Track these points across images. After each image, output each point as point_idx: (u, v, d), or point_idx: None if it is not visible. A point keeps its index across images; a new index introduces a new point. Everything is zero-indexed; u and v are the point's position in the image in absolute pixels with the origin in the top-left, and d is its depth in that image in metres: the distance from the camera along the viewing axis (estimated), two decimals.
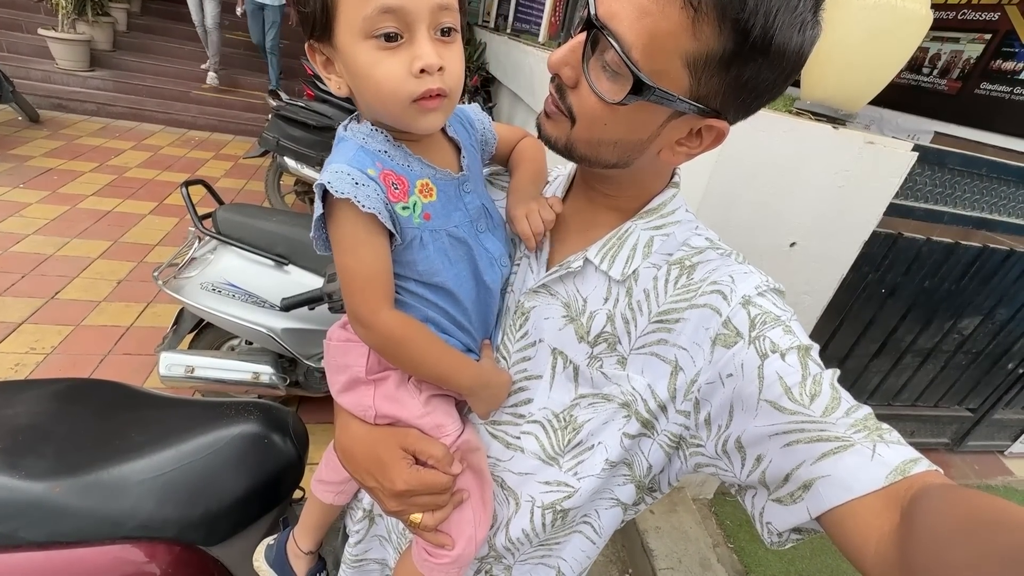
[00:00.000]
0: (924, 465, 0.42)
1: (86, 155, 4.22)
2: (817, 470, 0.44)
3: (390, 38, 0.48)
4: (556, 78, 0.53)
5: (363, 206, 0.49)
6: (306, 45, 0.53)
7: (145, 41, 6.06)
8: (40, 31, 5.14)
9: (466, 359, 0.60)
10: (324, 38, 0.50)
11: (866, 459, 0.42)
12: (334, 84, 0.54)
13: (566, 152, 0.56)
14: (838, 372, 0.49)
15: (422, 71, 0.49)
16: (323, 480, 0.79)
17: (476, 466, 0.63)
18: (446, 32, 0.50)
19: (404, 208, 0.53)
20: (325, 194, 0.51)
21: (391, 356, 0.58)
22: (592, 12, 0.47)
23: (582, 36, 0.48)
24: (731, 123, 0.50)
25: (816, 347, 0.51)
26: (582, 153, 0.54)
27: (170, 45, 6.16)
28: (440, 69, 0.49)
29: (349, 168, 0.50)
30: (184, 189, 1.74)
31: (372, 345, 0.58)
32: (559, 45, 0.52)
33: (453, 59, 0.51)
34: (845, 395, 0.47)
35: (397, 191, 0.53)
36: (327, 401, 2.07)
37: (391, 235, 0.53)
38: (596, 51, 0.48)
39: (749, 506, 0.52)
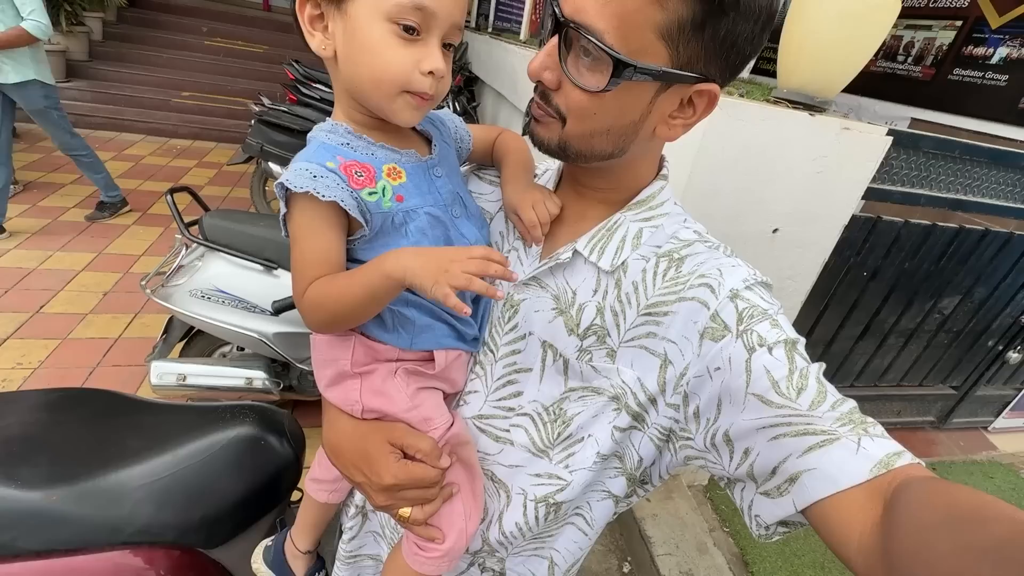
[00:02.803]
0: (907, 458, 0.42)
1: (66, 167, 4.14)
2: (803, 463, 0.44)
3: (409, 30, 0.50)
4: (539, 84, 0.54)
5: (322, 196, 0.50)
6: None
7: (122, 50, 5.97)
8: None
9: (368, 265, 0.53)
10: None
11: (851, 452, 0.43)
12: (317, 41, 0.54)
13: (560, 152, 0.56)
14: (823, 366, 0.50)
15: (430, 72, 0.52)
16: (317, 479, 0.79)
17: (466, 459, 0.63)
18: (448, 47, 0.54)
19: (371, 193, 0.54)
20: (288, 193, 0.52)
21: (330, 321, 0.56)
22: (558, 12, 0.48)
23: (553, 40, 0.50)
24: (721, 85, 0.51)
25: (802, 341, 0.52)
26: (577, 149, 0.55)
27: (147, 54, 6.08)
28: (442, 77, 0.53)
29: (307, 164, 0.52)
30: (169, 196, 1.73)
31: (315, 327, 0.59)
32: (540, 43, 0.54)
33: (448, 71, 0.54)
34: (831, 389, 0.48)
35: (361, 178, 0.54)
36: (321, 404, 2.07)
37: (356, 227, 0.54)
38: (571, 49, 0.49)
39: (738, 499, 0.53)
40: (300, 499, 1.09)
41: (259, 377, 1.82)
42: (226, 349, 2.00)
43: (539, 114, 0.56)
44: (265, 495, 0.98)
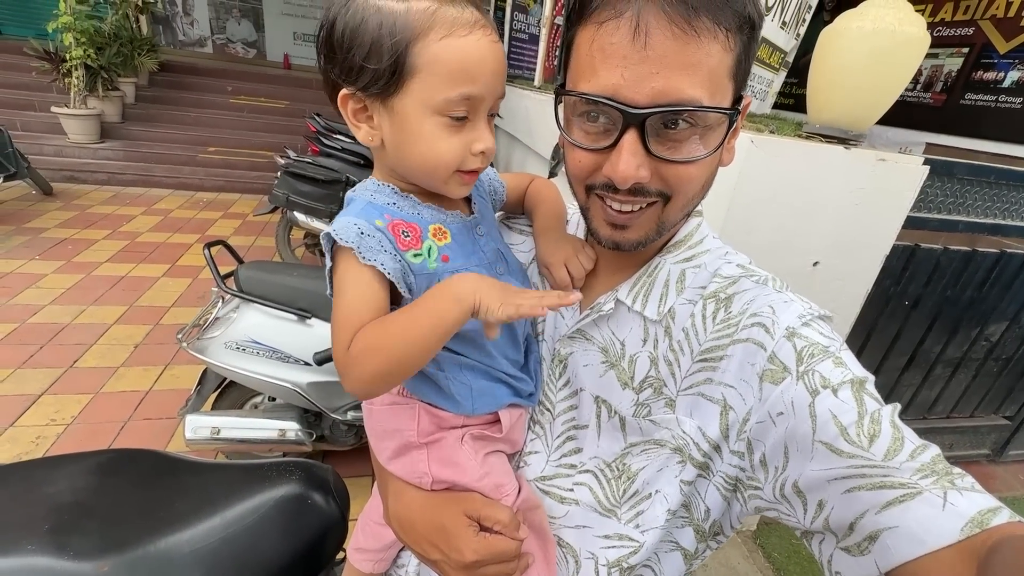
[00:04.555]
0: (1005, 516, 0.38)
1: (98, 223, 4.31)
2: (883, 520, 0.40)
3: (458, 119, 0.51)
4: (626, 188, 0.50)
5: (363, 257, 0.49)
6: (342, 92, 0.52)
7: (152, 111, 6.30)
8: (53, 109, 5.35)
9: (431, 292, 0.50)
10: (378, 95, 0.51)
11: (937, 509, 0.39)
12: (364, 133, 0.54)
13: (656, 237, 0.54)
14: (898, 407, 0.46)
15: (481, 152, 0.53)
16: (361, 548, 0.76)
17: (537, 525, 0.60)
18: (491, 115, 0.55)
19: (416, 255, 0.53)
20: (332, 246, 0.52)
21: (384, 373, 0.49)
22: (630, 108, 0.45)
23: (630, 136, 0.47)
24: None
25: (872, 379, 0.48)
26: (672, 221, 0.54)
27: (176, 113, 6.41)
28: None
29: (356, 219, 0.51)
30: (207, 250, 1.77)
31: (364, 386, 0.51)
32: (560, 86, 0.52)
33: (494, 139, 0.55)
34: (909, 434, 0.44)
35: (408, 238, 0.53)
36: (352, 454, 2.03)
37: (398, 290, 0.53)
38: (652, 134, 0.47)
39: (816, 552, 0.48)
40: (344, 558, 1.05)
41: (292, 428, 1.80)
42: (257, 400, 1.99)
43: (627, 219, 0.52)
44: (312, 558, 0.95)
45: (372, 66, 0.48)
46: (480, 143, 0.52)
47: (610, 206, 0.52)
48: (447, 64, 0.48)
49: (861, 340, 1.88)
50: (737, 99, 0.50)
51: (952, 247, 1.80)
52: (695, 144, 0.48)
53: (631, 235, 0.53)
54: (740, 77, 0.49)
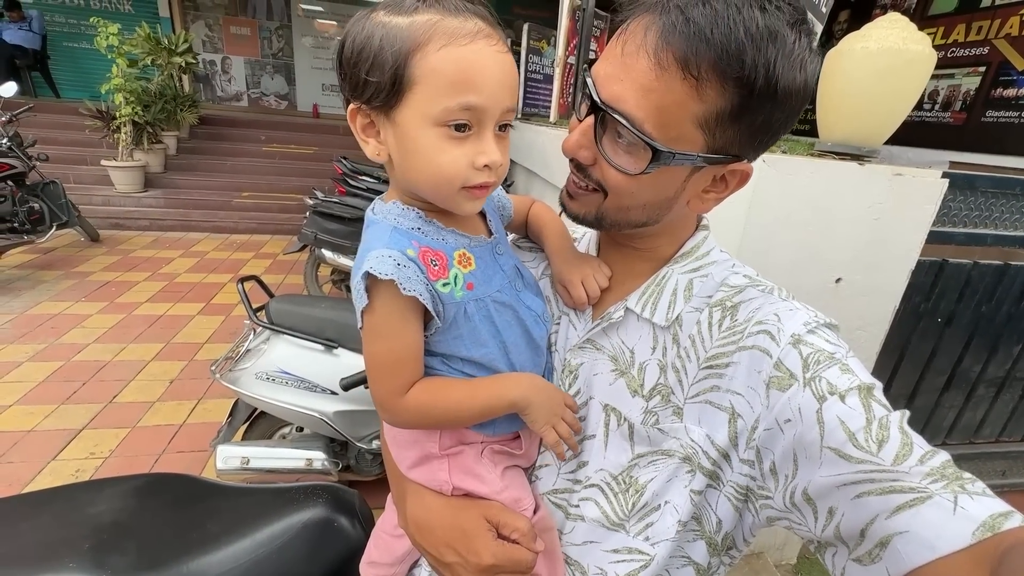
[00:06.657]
0: (1017, 520, 0.37)
1: (140, 266, 4.54)
2: (893, 525, 0.40)
3: (460, 128, 0.49)
4: (574, 160, 0.56)
5: (404, 289, 0.49)
6: (351, 106, 0.53)
7: (192, 161, 6.71)
8: (103, 162, 5.76)
9: (499, 377, 0.58)
10: (382, 108, 0.51)
11: (947, 513, 0.38)
12: (371, 149, 0.54)
13: (596, 223, 0.58)
14: (907, 414, 0.46)
15: (486, 166, 0.51)
16: (374, 562, 0.76)
17: (548, 548, 0.60)
18: (503, 128, 0.53)
19: (445, 285, 0.54)
20: (369, 281, 0.51)
21: (427, 426, 0.59)
22: (597, 97, 0.49)
23: (591, 119, 0.51)
24: (752, 160, 0.52)
25: (879, 386, 0.48)
26: (612, 220, 0.57)
27: (213, 162, 6.80)
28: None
29: (388, 251, 0.50)
30: (240, 285, 1.85)
31: (403, 427, 0.60)
32: (571, 111, 0.58)
33: (505, 154, 0.53)
34: (918, 439, 0.43)
35: (436, 268, 0.53)
36: (377, 484, 2.03)
37: (429, 318, 0.54)
38: (607, 130, 0.51)
39: (830, 566, 0.47)
40: None
41: (319, 458, 1.82)
42: (286, 431, 2.03)
43: (575, 190, 0.57)
44: None
45: (375, 79, 0.49)
46: (484, 156, 0.50)
47: (571, 176, 0.58)
48: (445, 73, 0.47)
49: (895, 359, 1.82)
50: (716, 155, 0.49)
51: (983, 261, 1.75)
52: (628, 158, 0.50)
53: (573, 206, 0.59)
54: (717, 133, 0.48)
